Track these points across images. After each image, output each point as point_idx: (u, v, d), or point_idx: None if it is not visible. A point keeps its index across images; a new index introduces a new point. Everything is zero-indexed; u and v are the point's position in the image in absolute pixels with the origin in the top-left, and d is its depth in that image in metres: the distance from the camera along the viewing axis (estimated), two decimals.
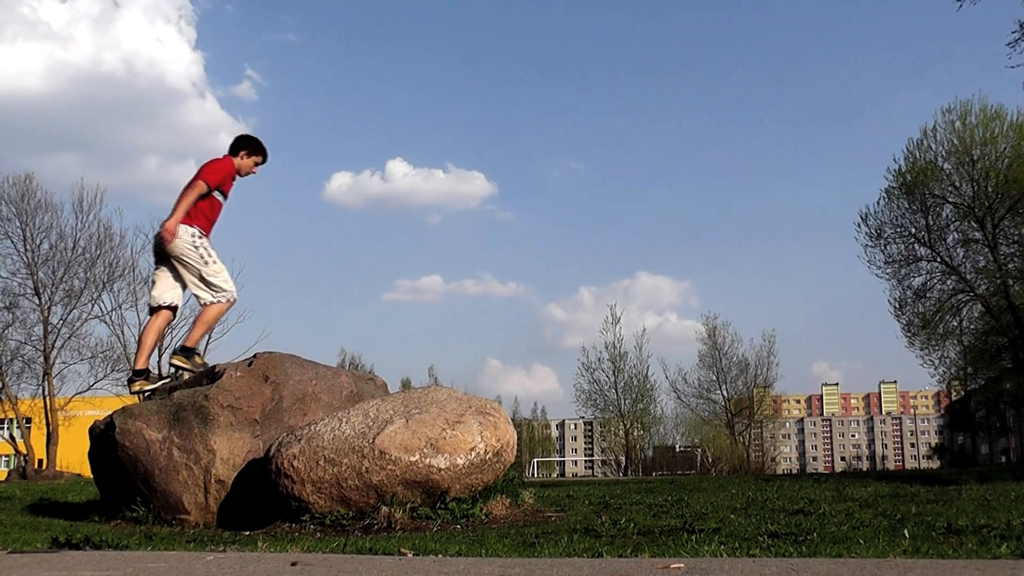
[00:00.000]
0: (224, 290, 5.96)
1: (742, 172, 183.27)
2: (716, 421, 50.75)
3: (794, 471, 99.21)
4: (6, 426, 35.04)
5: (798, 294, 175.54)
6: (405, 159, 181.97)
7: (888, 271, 28.57)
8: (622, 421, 47.37)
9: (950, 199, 27.02)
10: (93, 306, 31.52)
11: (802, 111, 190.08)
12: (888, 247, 28.31)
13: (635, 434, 49.20)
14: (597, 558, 3.17)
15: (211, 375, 5.73)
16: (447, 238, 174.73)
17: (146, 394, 6.15)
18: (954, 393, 44.96)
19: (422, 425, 4.87)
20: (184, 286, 6.01)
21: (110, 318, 31.45)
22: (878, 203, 28.41)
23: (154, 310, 6.08)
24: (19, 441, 32.25)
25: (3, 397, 31.38)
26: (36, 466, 31.02)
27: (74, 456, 24.10)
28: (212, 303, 5.95)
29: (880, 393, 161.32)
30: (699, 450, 55.18)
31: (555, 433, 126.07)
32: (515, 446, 5.20)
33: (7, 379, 31.28)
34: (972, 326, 29.98)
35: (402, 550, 3.52)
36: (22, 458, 31.71)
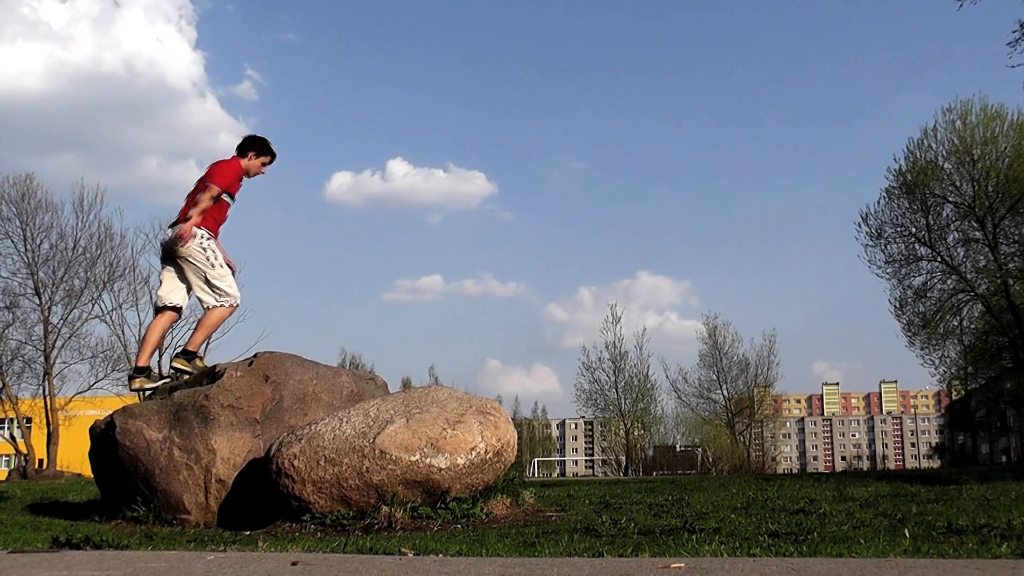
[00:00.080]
0: (228, 294, 5.94)
1: (742, 172, 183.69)
2: (716, 421, 50.77)
3: (794, 471, 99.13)
4: (7, 426, 35.02)
5: (798, 294, 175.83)
6: (405, 159, 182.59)
7: (888, 271, 28.59)
8: (622, 421, 47.36)
9: (950, 199, 27.01)
10: (93, 306, 31.59)
11: (802, 111, 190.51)
12: (888, 247, 28.33)
13: (635, 434, 49.20)
14: (598, 558, 3.17)
15: (211, 375, 5.73)
16: (447, 238, 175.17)
17: (146, 392, 6.14)
18: (954, 393, 44.93)
19: (422, 425, 4.87)
20: (189, 288, 6.00)
21: (110, 318, 31.52)
22: (878, 203, 28.44)
23: (159, 310, 6.07)
24: (19, 441, 32.25)
25: (3, 397, 31.38)
26: (36, 466, 31.03)
27: (74, 456, 24.09)
28: (215, 307, 5.93)
29: (880, 393, 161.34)
30: (699, 450, 55.21)
31: (555, 433, 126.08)
32: (515, 446, 5.19)
33: (7, 379, 31.29)
34: (972, 326, 29.98)
35: (403, 550, 3.52)
36: (23, 458, 31.70)
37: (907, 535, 3.60)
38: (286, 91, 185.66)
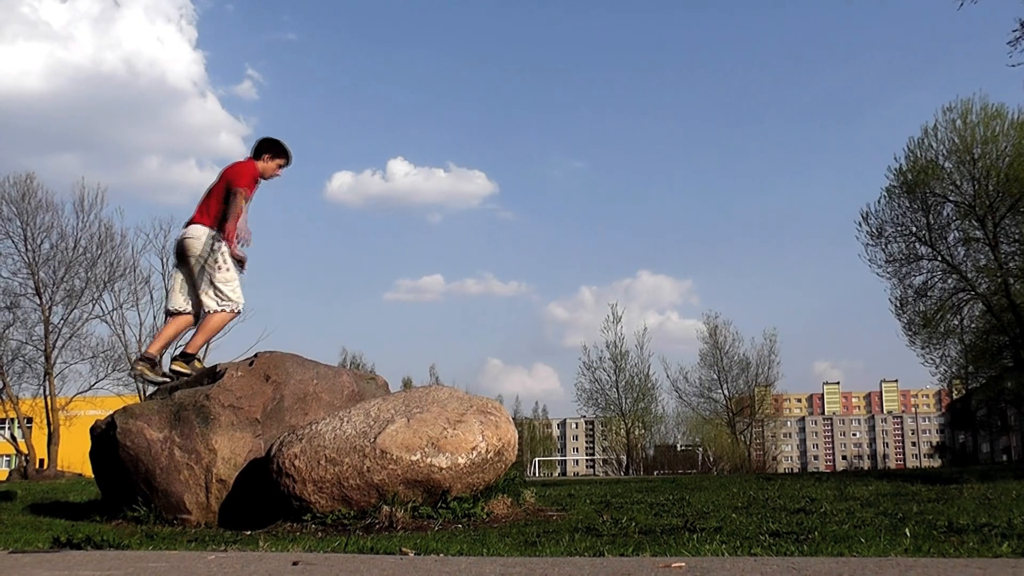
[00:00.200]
0: (231, 300, 5.94)
1: (742, 172, 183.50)
2: (717, 420, 50.78)
3: (795, 470, 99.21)
4: (7, 426, 35.05)
5: (799, 293, 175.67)
6: (406, 158, 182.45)
7: (889, 270, 28.63)
8: (623, 420, 47.35)
9: (951, 198, 27.02)
10: (94, 306, 31.62)
11: (802, 111, 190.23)
12: (889, 246, 28.37)
13: (636, 433, 49.18)
14: (598, 557, 3.17)
15: (212, 375, 5.73)
16: (448, 237, 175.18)
17: (146, 381, 6.12)
18: (955, 392, 44.99)
19: (423, 424, 4.87)
20: (196, 292, 5.99)
21: (111, 318, 31.53)
22: (879, 202, 28.49)
23: (171, 314, 6.07)
24: (20, 441, 32.29)
25: (4, 397, 31.42)
26: (37, 466, 31.06)
27: (75, 456, 24.09)
28: (216, 311, 5.93)
29: (881, 392, 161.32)
30: (700, 449, 55.17)
31: (556, 432, 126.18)
32: (516, 445, 5.19)
33: (8, 379, 31.32)
34: (973, 325, 30.00)
35: (404, 549, 3.52)
36: (23, 458, 31.74)
37: (908, 534, 3.60)
38: (287, 91, 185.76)
